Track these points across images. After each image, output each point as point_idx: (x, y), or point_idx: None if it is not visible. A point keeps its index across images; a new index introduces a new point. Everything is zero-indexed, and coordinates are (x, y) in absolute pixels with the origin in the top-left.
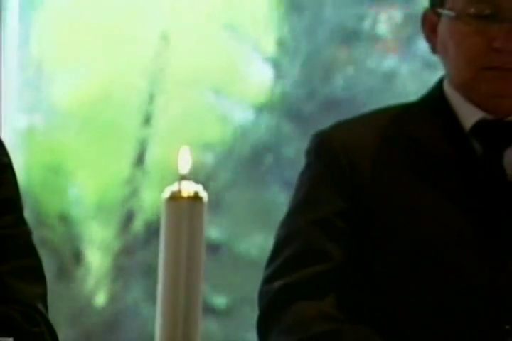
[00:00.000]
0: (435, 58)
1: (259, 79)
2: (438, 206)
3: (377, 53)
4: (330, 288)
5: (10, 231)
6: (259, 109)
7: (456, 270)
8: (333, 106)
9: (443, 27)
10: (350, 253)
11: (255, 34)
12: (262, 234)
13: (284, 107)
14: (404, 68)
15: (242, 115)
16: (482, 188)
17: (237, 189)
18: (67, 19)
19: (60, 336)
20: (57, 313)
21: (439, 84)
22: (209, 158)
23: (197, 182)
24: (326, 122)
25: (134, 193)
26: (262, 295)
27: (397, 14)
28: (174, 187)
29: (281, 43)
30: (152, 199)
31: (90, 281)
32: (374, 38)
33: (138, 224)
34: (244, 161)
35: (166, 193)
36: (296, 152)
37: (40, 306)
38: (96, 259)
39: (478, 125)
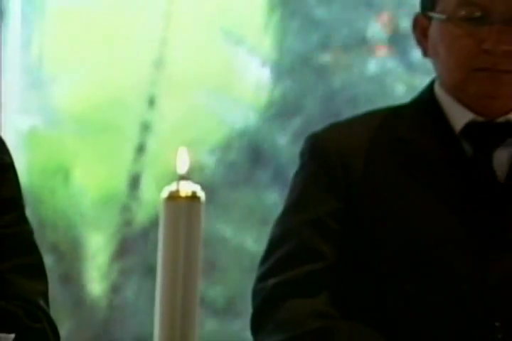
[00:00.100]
0: (426, 61)
1: (257, 82)
2: (429, 206)
3: (371, 57)
4: (323, 287)
5: (12, 230)
6: (256, 110)
7: (446, 269)
8: (330, 107)
9: (434, 30)
10: (343, 252)
11: (252, 38)
12: (258, 233)
13: (280, 109)
14: (397, 72)
15: (240, 117)
16: (472, 189)
17: (234, 189)
18: (69, 22)
19: (61, 332)
20: (58, 310)
21: (430, 86)
22: (207, 159)
23: (194, 182)
24: (321, 123)
25: (133, 192)
26: (255, 292)
27: (390, 19)
28: (172, 187)
29: (277, 47)
30: (151, 198)
31: (90, 278)
32: (368, 42)
33: (137, 223)
34: (242, 162)
35: (165, 193)
36: (292, 153)
37: (41, 302)
38: (96, 257)
39: (468, 126)
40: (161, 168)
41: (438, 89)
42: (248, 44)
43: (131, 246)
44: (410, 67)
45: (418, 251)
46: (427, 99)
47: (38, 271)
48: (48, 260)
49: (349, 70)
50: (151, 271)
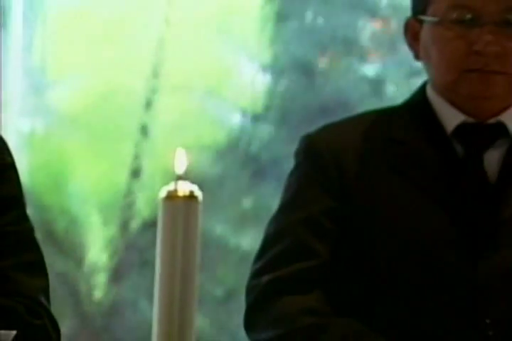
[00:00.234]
0: (419, 65)
1: (252, 85)
2: (421, 205)
3: (366, 60)
4: (316, 284)
5: (13, 228)
6: (253, 112)
7: (438, 267)
8: (324, 110)
9: (425, 33)
10: (336, 250)
11: (249, 41)
12: (254, 232)
13: (276, 111)
14: (391, 75)
15: (236, 118)
16: (463, 189)
17: (231, 189)
18: (69, 27)
19: (62, 328)
20: (58, 306)
21: (422, 89)
22: (204, 159)
23: (192, 182)
24: (316, 126)
25: (132, 192)
26: (249, 289)
27: (384, 23)
28: (170, 187)
29: (273, 50)
30: (150, 198)
31: (90, 275)
32: (363, 46)
33: (136, 222)
34: (238, 162)
35: (163, 192)
36: (288, 154)
37: (42, 299)
38: (96, 254)
39: (460, 128)
40: (160, 169)
41: (430, 92)
42: (245, 48)
43: (130, 244)
44: (404, 70)
45: (410, 250)
46: (418, 101)
47: (39, 268)
48: (49, 257)
49: (343, 74)
50: (150, 268)
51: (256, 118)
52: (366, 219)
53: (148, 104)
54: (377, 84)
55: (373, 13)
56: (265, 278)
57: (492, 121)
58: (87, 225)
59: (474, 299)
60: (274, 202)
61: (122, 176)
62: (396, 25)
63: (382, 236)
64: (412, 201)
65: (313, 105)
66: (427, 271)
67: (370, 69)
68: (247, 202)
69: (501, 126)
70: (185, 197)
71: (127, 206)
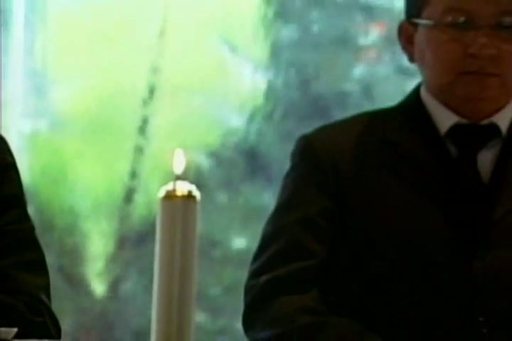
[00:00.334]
0: (413, 66)
1: (250, 85)
2: (415, 205)
3: (361, 61)
4: (313, 283)
5: (14, 227)
6: (250, 113)
7: (432, 266)
8: (320, 110)
9: (420, 36)
10: (333, 250)
11: (246, 43)
12: (250, 232)
13: (273, 112)
14: (386, 76)
15: (234, 119)
16: (457, 189)
17: (228, 188)
18: (70, 29)
19: (62, 325)
20: (59, 303)
21: (416, 90)
22: (202, 160)
23: (190, 182)
24: (312, 126)
25: (131, 192)
26: (247, 289)
27: (380, 25)
28: (169, 187)
29: (270, 51)
30: (148, 197)
31: (91, 273)
32: (358, 47)
33: (136, 221)
34: (236, 162)
35: (162, 192)
36: (284, 154)
37: (43, 297)
38: (96, 252)
39: (453, 129)
40: (159, 169)
41: (424, 93)
42: (242, 49)
43: (130, 243)
44: (399, 71)
45: (404, 250)
46: (413, 103)
47: (40, 267)
48: (49, 256)
49: (339, 74)
50: (149, 266)
51: (253, 118)
52: (361, 219)
53: (147, 105)
54: (370, 85)
55: (369, 15)
56: (263, 278)
57: (485, 122)
58: (86, 224)
59: (468, 297)
60: (271, 202)
61: (122, 176)
62: (392, 27)
63: (377, 236)
64: (407, 201)
65: (309, 104)
66: (421, 270)
67: (364, 71)
68: (244, 202)
69: (494, 127)
70: (183, 196)
71: (127, 205)
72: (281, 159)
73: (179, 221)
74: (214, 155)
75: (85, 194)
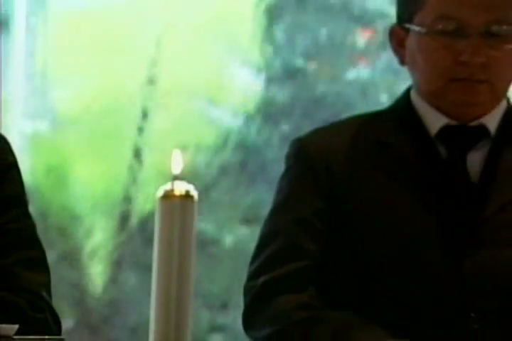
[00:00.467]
0: (405, 70)
1: (247, 88)
2: (406, 205)
3: (355, 65)
4: (309, 283)
5: (15, 225)
6: (246, 115)
7: (424, 263)
8: (314, 113)
9: (411, 41)
10: (327, 249)
11: (243, 46)
12: (248, 231)
13: (268, 113)
14: (378, 79)
15: (231, 121)
16: (447, 188)
17: (225, 188)
18: (70, 33)
19: (63, 322)
20: (59, 300)
21: (406, 93)
22: (200, 160)
23: (188, 182)
24: (309, 127)
25: (130, 191)
26: (246, 290)
27: (373, 30)
28: (167, 187)
29: (266, 56)
30: (147, 197)
31: (90, 270)
32: (352, 52)
33: (134, 220)
34: (232, 163)
35: (160, 192)
36: (280, 154)
37: (44, 294)
38: (95, 251)
39: (443, 130)
40: (157, 169)
41: (414, 96)
42: (240, 52)
43: (129, 242)
44: (392, 75)
45: (397, 249)
46: (403, 105)
47: (41, 264)
48: (50, 254)
49: (333, 78)
50: (148, 265)
51: (249, 119)
52: (354, 219)
53: (146, 107)
54: (364, 87)
55: (363, 20)
56: (261, 280)
57: (474, 123)
58: (87, 223)
59: (460, 294)
60: (267, 202)
61: (121, 176)
62: (383, 32)
63: (369, 236)
64: (398, 201)
65: (303, 106)
66: (413, 269)
67: (357, 73)
68: (240, 202)
69: (483, 128)
70: (181, 196)
71: (126, 204)
72: (278, 160)
73: (177, 220)
74: (212, 155)
75: (85, 193)
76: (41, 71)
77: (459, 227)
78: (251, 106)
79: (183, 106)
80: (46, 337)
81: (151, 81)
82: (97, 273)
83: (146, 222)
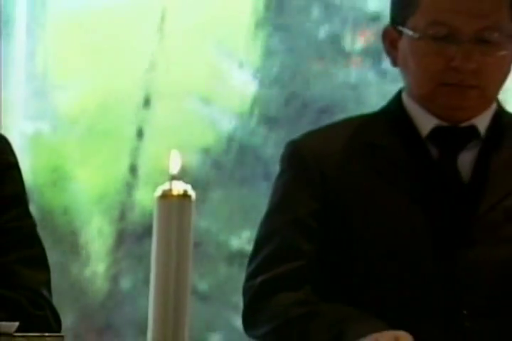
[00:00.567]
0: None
1: (244, 89)
2: (399, 205)
3: (350, 67)
4: (305, 281)
5: (16, 224)
6: (243, 115)
7: (416, 262)
8: (310, 114)
9: (404, 44)
10: (323, 249)
11: (240, 48)
12: (246, 229)
13: (264, 114)
14: (373, 81)
15: (228, 121)
16: (439, 188)
17: (222, 188)
18: (70, 36)
19: (63, 321)
20: (60, 297)
21: (398, 95)
22: (197, 161)
23: (186, 182)
24: (302, 128)
25: (129, 191)
26: (245, 290)
27: (368, 33)
28: (165, 186)
29: (263, 57)
30: (146, 196)
31: (90, 269)
32: (347, 54)
33: (133, 219)
34: (229, 163)
35: (158, 192)
36: (276, 155)
37: (44, 292)
38: (95, 249)
39: (434, 131)
40: (155, 169)
41: (405, 98)
42: (236, 54)
43: (127, 240)
44: (385, 76)
45: (390, 247)
46: (395, 108)
47: (41, 262)
48: (50, 254)
49: (329, 79)
50: (147, 263)
51: (245, 121)
52: (348, 220)
53: (145, 108)
54: (358, 89)
55: (358, 23)
56: (259, 280)
57: (465, 124)
58: (86, 223)
59: (452, 292)
60: (263, 202)
61: (121, 175)
62: (378, 34)
63: (363, 236)
64: (391, 201)
65: (299, 108)
66: (406, 268)
67: (352, 75)
68: (237, 201)
69: (473, 129)
70: (179, 196)
71: (125, 204)
72: (274, 160)
73: (175, 219)
74: (209, 156)
75: (84, 192)
76: (41, 73)
77: (451, 226)
78: (247, 107)
79: (180, 108)
80: (46, 334)
81: (150, 83)
82: (96, 272)
83: (144, 221)
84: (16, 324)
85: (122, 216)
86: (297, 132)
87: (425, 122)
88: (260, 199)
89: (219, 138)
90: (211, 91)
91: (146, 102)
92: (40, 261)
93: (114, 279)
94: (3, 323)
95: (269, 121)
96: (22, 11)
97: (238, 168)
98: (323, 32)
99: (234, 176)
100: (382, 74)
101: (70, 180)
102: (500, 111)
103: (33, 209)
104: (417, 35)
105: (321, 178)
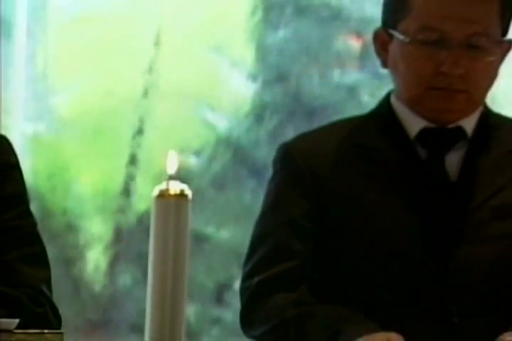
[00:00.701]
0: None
1: (239, 92)
2: (389, 205)
3: (342, 69)
4: (301, 281)
5: (17, 222)
6: (238, 117)
7: (406, 260)
8: (304, 115)
9: (394, 47)
10: (315, 248)
11: (235, 52)
12: (238, 228)
13: (259, 116)
14: (365, 83)
15: (224, 123)
16: (427, 187)
17: (218, 188)
18: (70, 38)
19: (62, 316)
20: (60, 295)
21: (387, 98)
22: (194, 161)
23: (183, 181)
24: (299, 129)
25: (128, 191)
26: (242, 290)
27: (361, 36)
28: (163, 186)
29: (258, 59)
30: (143, 196)
31: (89, 267)
32: (340, 56)
33: (131, 218)
34: (225, 164)
35: (156, 191)
36: (271, 156)
37: (44, 289)
38: (94, 248)
39: (422, 132)
40: (153, 169)
41: (394, 100)
42: (232, 57)
43: (126, 239)
44: (378, 79)
45: (380, 244)
46: (384, 110)
47: (41, 260)
48: (50, 250)
49: (323, 82)
50: (145, 261)
51: (242, 122)
52: (339, 220)
53: (142, 110)
54: (351, 91)
55: (350, 26)
56: (255, 280)
57: (452, 125)
58: (85, 222)
59: (441, 289)
60: (259, 202)
61: (119, 176)
62: (370, 37)
63: (353, 236)
64: (380, 201)
65: (293, 109)
66: (395, 266)
67: (344, 77)
68: (233, 200)
69: (460, 130)
70: (176, 195)
71: (123, 203)
72: (269, 161)
73: (172, 218)
74: (205, 156)
75: (83, 191)
76: (41, 74)
77: (440, 225)
78: (243, 109)
79: (177, 110)
80: (46, 330)
81: (147, 86)
82: (96, 271)
83: (142, 220)
84: (16, 321)
85: (121, 215)
86: (292, 134)
87: (413, 124)
88: (255, 199)
89: (215, 138)
90: (208, 92)
91: (144, 104)
92: (40, 259)
93: (113, 277)
94: (4, 320)
95: (264, 122)
96: (22, 14)
97: (233, 169)
98: (318, 34)
99: (229, 176)
100: (378, 76)
101: (69, 181)
102: (487, 112)
103: (32, 209)
104: (407, 40)
105: (312, 179)
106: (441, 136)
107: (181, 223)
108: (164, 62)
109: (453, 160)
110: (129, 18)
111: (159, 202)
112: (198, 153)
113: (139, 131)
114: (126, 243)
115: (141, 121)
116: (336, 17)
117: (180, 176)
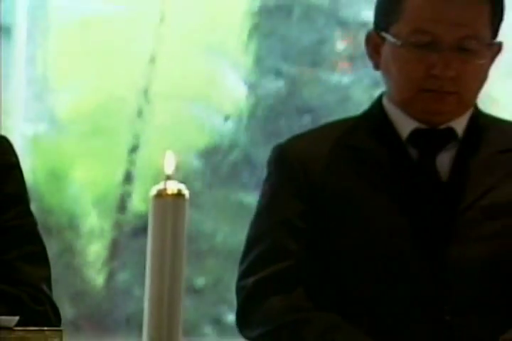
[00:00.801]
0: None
1: (236, 93)
2: (381, 205)
3: (337, 72)
4: (297, 281)
5: (17, 222)
6: (235, 118)
7: (398, 259)
8: (299, 116)
9: (386, 50)
10: (310, 248)
11: (232, 54)
12: (235, 227)
13: (256, 117)
14: (359, 85)
15: (220, 124)
16: (419, 188)
17: (216, 188)
18: (69, 40)
19: (62, 314)
20: (59, 294)
21: (379, 99)
22: (191, 161)
23: (180, 181)
24: (296, 130)
25: (126, 190)
26: (238, 290)
27: (354, 39)
28: (160, 186)
29: (254, 61)
30: (141, 196)
31: (88, 266)
32: (335, 58)
33: (129, 217)
34: (222, 164)
35: (153, 191)
36: (267, 156)
37: (44, 287)
38: (93, 247)
39: (414, 133)
40: (151, 169)
41: (386, 102)
42: (229, 59)
43: (124, 238)
44: (371, 80)
45: (373, 245)
46: (376, 111)
47: (42, 259)
48: (51, 249)
49: (317, 83)
50: (143, 259)
51: (238, 123)
52: (332, 220)
53: (141, 111)
54: (344, 93)
55: (345, 29)
56: (251, 280)
57: (443, 126)
58: (85, 222)
59: (434, 288)
60: (250, 200)
61: (118, 176)
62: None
63: (348, 234)
64: (373, 202)
65: (289, 111)
66: (388, 265)
67: (339, 79)
68: (230, 200)
69: (451, 131)
70: (173, 195)
71: (122, 202)
72: (262, 160)
73: (169, 217)
74: (202, 157)
75: (82, 191)
76: (41, 76)
77: (431, 225)
78: (241, 110)
79: (175, 111)
80: (45, 328)
81: (145, 88)
82: (95, 270)
83: (140, 219)
84: (16, 318)
85: (120, 215)
86: (288, 135)
87: (405, 125)
88: (252, 200)
89: (212, 139)
90: (206, 94)
91: (143, 105)
92: (40, 258)
93: (113, 276)
94: (4, 317)
95: (260, 123)
96: (22, 16)
97: (231, 170)
98: (314, 37)
99: (227, 177)
100: (370, 77)
101: (69, 181)
102: (477, 113)
103: (32, 208)
104: (399, 42)
105: (306, 180)
106: (432, 137)
107: (178, 222)
108: (163, 64)
109: (444, 160)
110: (129, 20)
111: (157, 202)
112: (195, 154)
113: (138, 132)
114: (124, 241)
115: (140, 122)
116: (329, 18)
117: (178, 176)
